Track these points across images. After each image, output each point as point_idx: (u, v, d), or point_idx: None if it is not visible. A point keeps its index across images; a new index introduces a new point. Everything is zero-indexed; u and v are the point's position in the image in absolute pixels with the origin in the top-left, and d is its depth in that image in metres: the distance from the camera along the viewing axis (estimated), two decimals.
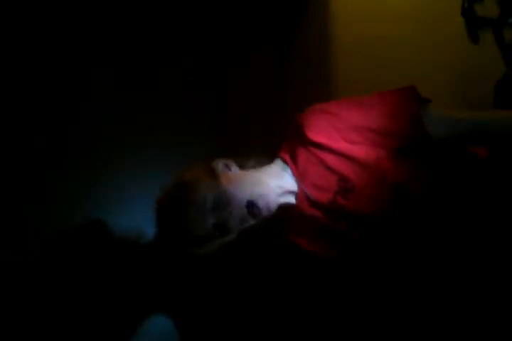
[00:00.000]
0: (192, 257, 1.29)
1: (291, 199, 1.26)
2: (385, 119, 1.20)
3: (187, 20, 2.27)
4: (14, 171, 2.00)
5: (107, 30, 2.15)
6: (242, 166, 1.29)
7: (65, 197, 2.05)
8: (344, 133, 1.21)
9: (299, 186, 1.27)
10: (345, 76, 2.15)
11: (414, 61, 1.86)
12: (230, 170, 1.27)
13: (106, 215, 2.05)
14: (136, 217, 2.09)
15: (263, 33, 2.39)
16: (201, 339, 1.46)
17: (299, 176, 1.27)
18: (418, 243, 1.16)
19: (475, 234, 1.16)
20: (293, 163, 1.28)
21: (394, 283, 1.18)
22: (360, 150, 1.20)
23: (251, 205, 1.20)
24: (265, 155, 1.34)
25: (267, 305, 1.33)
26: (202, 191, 1.20)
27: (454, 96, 1.74)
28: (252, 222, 1.19)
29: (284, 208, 1.24)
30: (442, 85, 1.75)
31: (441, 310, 1.15)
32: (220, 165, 1.27)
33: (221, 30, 2.33)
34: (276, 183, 1.25)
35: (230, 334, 1.40)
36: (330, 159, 1.21)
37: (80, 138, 2.09)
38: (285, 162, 1.29)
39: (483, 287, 1.14)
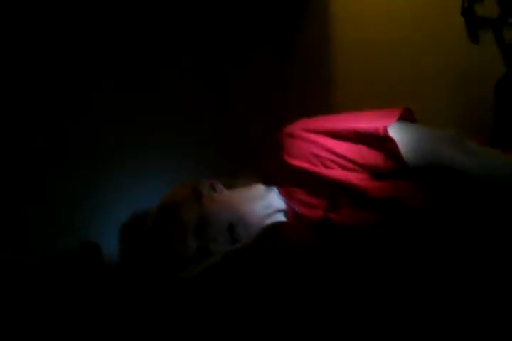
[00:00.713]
0: (176, 280, 1.26)
1: (281, 218, 1.27)
2: (360, 150, 1.21)
3: (187, 20, 2.27)
4: (14, 171, 2.00)
5: (106, 30, 2.15)
6: (230, 186, 1.30)
7: (64, 197, 2.05)
8: (322, 160, 1.23)
9: (287, 204, 1.28)
10: (346, 76, 2.15)
11: (414, 61, 1.86)
12: (215, 191, 1.27)
13: (106, 215, 2.05)
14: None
15: (263, 33, 2.39)
16: None
17: (286, 195, 1.28)
18: (412, 257, 1.15)
19: (471, 241, 1.15)
20: (277, 183, 1.29)
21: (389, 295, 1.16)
22: (339, 173, 1.21)
23: (231, 228, 1.20)
24: (254, 173, 1.34)
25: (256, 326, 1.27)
26: (184, 214, 1.21)
27: (454, 96, 1.74)
28: (233, 245, 1.19)
29: (274, 228, 1.24)
30: (442, 85, 1.75)
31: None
32: (206, 186, 1.27)
33: (221, 30, 2.32)
34: (262, 204, 1.26)
35: None
36: (313, 182, 1.23)
37: (80, 138, 2.09)
38: (269, 185, 1.30)
39: (476, 299, 1.13)
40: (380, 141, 1.19)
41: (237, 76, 2.33)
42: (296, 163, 1.24)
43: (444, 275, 1.14)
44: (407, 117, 1.26)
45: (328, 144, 1.23)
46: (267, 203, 1.27)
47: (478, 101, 1.64)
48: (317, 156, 1.23)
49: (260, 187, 1.30)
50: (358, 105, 1.47)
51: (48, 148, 2.05)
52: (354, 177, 1.21)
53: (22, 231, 1.98)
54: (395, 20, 1.94)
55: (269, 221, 1.24)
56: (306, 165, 1.23)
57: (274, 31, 2.40)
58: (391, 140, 1.18)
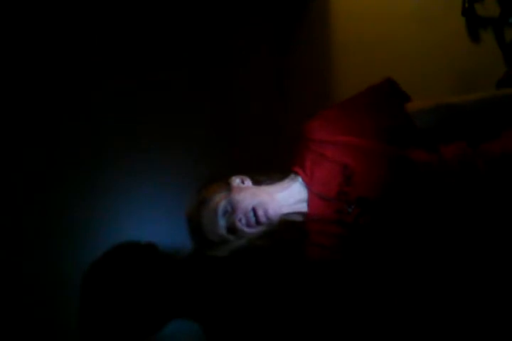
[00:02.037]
0: (206, 259, 1.59)
1: (303, 207, 1.44)
2: (372, 115, 1.41)
3: (187, 20, 2.27)
4: (14, 171, 1.99)
5: (106, 30, 2.15)
6: (256, 181, 1.49)
7: (64, 197, 2.05)
8: (336, 129, 1.43)
9: (309, 190, 1.44)
10: (346, 75, 2.15)
11: (414, 60, 1.86)
12: (243, 183, 1.47)
13: (105, 215, 2.05)
14: (135, 218, 2.10)
15: (263, 33, 2.39)
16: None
17: (309, 180, 1.44)
18: (421, 227, 1.30)
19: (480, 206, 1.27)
20: (302, 170, 1.46)
21: (397, 276, 1.31)
22: (351, 140, 1.40)
23: (254, 211, 1.39)
24: (277, 172, 1.52)
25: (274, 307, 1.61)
26: (216, 201, 1.42)
27: (454, 95, 1.74)
28: (256, 227, 1.39)
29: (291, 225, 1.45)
30: (443, 84, 1.76)
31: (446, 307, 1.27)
32: (235, 179, 1.47)
33: (221, 30, 2.33)
34: (283, 194, 1.45)
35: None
36: (331, 151, 1.41)
37: (80, 138, 2.09)
38: (295, 173, 1.47)
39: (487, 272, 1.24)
40: (387, 99, 1.42)
41: (237, 76, 2.33)
42: (313, 136, 1.44)
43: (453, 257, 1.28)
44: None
45: (339, 114, 1.45)
46: (288, 193, 1.45)
47: None
48: (329, 127, 1.43)
49: (283, 181, 1.48)
50: None
51: (48, 148, 2.05)
52: (363, 141, 1.39)
53: (21, 231, 1.98)
54: (395, 19, 1.94)
55: (288, 209, 1.43)
56: (324, 136, 1.43)
57: (274, 31, 2.40)
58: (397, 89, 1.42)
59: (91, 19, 2.14)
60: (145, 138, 2.15)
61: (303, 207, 1.44)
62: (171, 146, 2.17)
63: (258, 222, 1.38)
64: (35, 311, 1.95)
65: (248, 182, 1.47)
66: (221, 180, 1.48)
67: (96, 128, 2.11)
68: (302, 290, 1.47)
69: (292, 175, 1.48)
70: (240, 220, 1.39)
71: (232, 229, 1.39)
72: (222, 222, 1.40)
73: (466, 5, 1.67)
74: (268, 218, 1.38)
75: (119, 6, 2.18)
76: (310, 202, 1.44)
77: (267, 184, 1.48)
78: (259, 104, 2.34)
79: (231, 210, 1.39)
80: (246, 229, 1.39)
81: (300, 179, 1.46)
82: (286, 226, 1.43)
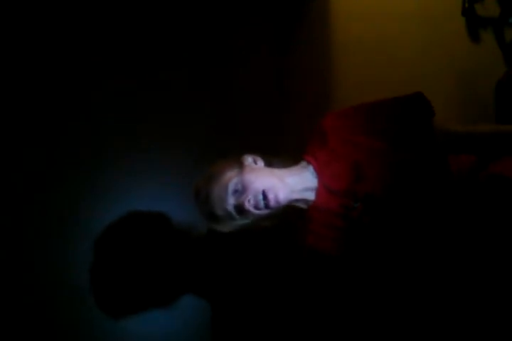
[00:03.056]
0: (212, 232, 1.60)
1: (310, 195, 1.44)
2: (394, 123, 1.41)
3: (187, 20, 2.27)
4: (14, 171, 1.99)
5: (106, 30, 2.15)
6: (268, 163, 1.48)
7: (64, 197, 2.05)
8: (353, 128, 1.43)
9: (319, 180, 1.44)
10: (346, 75, 2.15)
11: (414, 60, 1.86)
12: (255, 163, 1.46)
13: (105, 215, 2.05)
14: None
15: (263, 33, 2.39)
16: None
17: (320, 170, 1.45)
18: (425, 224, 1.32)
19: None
20: (315, 160, 1.46)
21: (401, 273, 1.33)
22: (374, 142, 1.40)
23: (264, 195, 1.38)
24: (291, 156, 1.52)
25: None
26: (227, 177, 1.41)
27: (454, 96, 1.74)
28: (264, 210, 1.39)
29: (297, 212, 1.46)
30: (443, 84, 1.76)
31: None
32: (248, 158, 1.47)
33: (221, 30, 2.32)
34: (294, 179, 1.44)
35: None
36: (347, 149, 1.42)
37: (80, 138, 2.09)
38: (308, 162, 1.47)
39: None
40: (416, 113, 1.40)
41: (237, 76, 2.33)
42: (329, 131, 1.45)
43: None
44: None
45: (360, 114, 1.45)
46: (299, 179, 1.45)
47: (478, 100, 1.64)
48: (347, 125, 1.43)
49: (298, 166, 1.49)
50: None
51: (48, 148, 2.05)
52: (377, 143, 1.39)
53: (20, 231, 1.98)
54: (395, 20, 1.94)
55: (297, 195, 1.43)
56: (336, 133, 1.43)
57: (274, 31, 2.40)
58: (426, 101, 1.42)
59: (91, 19, 2.14)
60: (145, 138, 2.15)
61: (310, 195, 1.45)
62: (171, 146, 2.17)
63: (267, 206, 1.38)
64: (35, 311, 1.95)
65: (260, 163, 1.47)
66: (233, 157, 1.49)
67: (96, 128, 2.10)
68: (301, 281, 1.49)
69: (304, 163, 1.48)
70: (248, 201, 1.38)
71: (239, 208, 1.39)
72: (231, 200, 1.40)
73: (466, 5, 1.67)
74: (277, 202, 1.38)
75: (119, 5, 2.17)
76: (318, 192, 1.44)
77: (279, 167, 1.47)
78: (259, 104, 2.33)
79: (241, 190, 1.39)
80: (254, 211, 1.39)
81: (311, 168, 1.46)
82: (291, 211, 1.44)
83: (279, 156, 1.50)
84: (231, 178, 1.41)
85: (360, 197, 1.37)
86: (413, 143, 1.38)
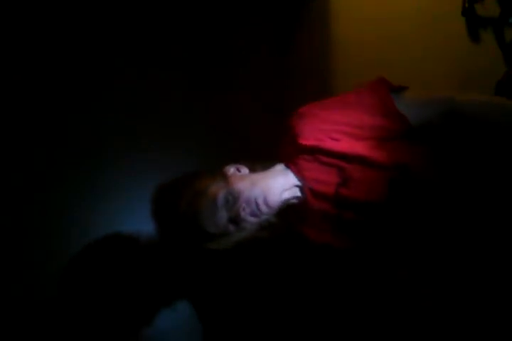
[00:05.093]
0: (209, 252, 1.50)
1: (297, 193, 1.40)
2: (364, 115, 1.35)
3: (187, 20, 2.27)
4: (14, 171, 1.99)
5: (106, 30, 2.15)
6: (252, 169, 1.44)
7: (64, 197, 2.05)
8: (328, 132, 1.36)
9: (302, 183, 1.40)
10: (346, 75, 2.15)
11: (414, 60, 1.86)
12: (239, 172, 1.42)
13: (105, 215, 2.05)
14: (135, 218, 2.10)
15: (263, 33, 2.39)
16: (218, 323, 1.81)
17: (300, 175, 1.40)
18: (419, 228, 1.27)
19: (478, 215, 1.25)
20: (292, 164, 1.42)
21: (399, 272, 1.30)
22: (345, 145, 1.34)
23: (255, 201, 1.35)
24: (270, 160, 1.47)
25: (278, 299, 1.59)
26: (213, 191, 1.35)
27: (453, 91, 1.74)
28: (260, 216, 1.35)
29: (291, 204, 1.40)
30: (443, 84, 1.75)
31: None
32: (230, 169, 1.42)
33: (221, 30, 2.33)
34: (281, 180, 1.40)
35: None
36: (323, 157, 1.36)
37: (80, 138, 2.09)
38: (285, 166, 1.43)
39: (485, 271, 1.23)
40: (380, 97, 1.35)
41: (237, 76, 2.33)
42: (305, 142, 1.37)
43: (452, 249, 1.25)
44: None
45: (332, 115, 1.37)
46: (284, 179, 1.40)
47: None
48: (322, 130, 1.36)
49: (279, 166, 1.44)
50: None
51: (48, 148, 2.05)
52: (360, 147, 1.33)
53: (20, 232, 1.98)
54: (395, 20, 1.94)
55: (287, 194, 1.39)
56: (313, 142, 1.36)
57: (274, 31, 2.40)
58: (390, 86, 1.36)
59: (90, 19, 2.14)
60: (145, 138, 2.15)
61: (298, 191, 1.40)
62: (171, 146, 2.17)
63: (260, 211, 1.34)
64: (35, 311, 1.95)
65: (245, 170, 1.43)
66: (213, 171, 1.43)
67: (96, 128, 2.11)
68: (303, 283, 1.47)
69: (281, 165, 1.44)
70: (243, 209, 1.33)
71: (235, 219, 1.34)
72: (223, 213, 1.33)
73: (466, 5, 1.67)
74: (269, 207, 1.34)
75: (119, 5, 2.17)
76: (306, 192, 1.39)
77: (263, 170, 1.43)
78: (259, 104, 2.33)
79: (232, 200, 1.34)
80: (250, 219, 1.34)
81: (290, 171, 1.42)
82: (286, 212, 1.39)
83: (261, 161, 1.46)
84: (218, 191, 1.34)
85: (349, 202, 1.32)
86: (389, 133, 1.33)
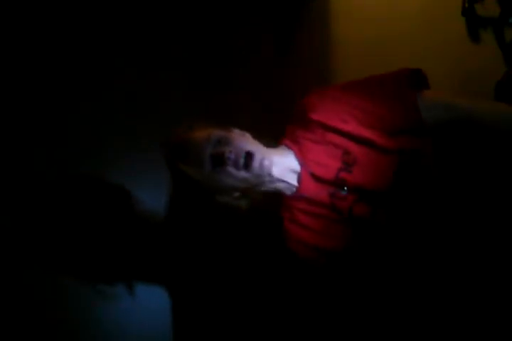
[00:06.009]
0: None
1: (292, 178, 1.37)
2: (380, 105, 1.32)
3: (187, 20, 2.27)
4: (14, 171, 1.99)
5: (106, 30, 2.15)
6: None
7: None
8: (339, 113, 1.34)
9: (302, 167, 1.37)
10: (346, 76, 2.14)
11: (414, 60, 1.85)
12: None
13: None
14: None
15: (263, 33, 2.39)
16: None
17: (302, 156, 1.37)
18: (424, 219, 1.26)
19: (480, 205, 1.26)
20: (295, 144, 1.39)
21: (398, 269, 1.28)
22: (353, 128, 1.32)
23: (248, 155, 1.30)
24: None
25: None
26: (211, 130, 1.34)
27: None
28: (243, 172, 1.29)
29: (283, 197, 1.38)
30: (443, 84, 1.75)
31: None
32: (235, 129, 1.40)
33: (221, 30, 2.33)
34: (280, 158, 1.36)
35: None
36: (331, 136, 1.34)
37: (80, 138, 2.09)
38: (287, 146, 1.40)
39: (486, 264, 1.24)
40: (403, 90, 1.32)
41: (237, 76, 2.33)
42: (314, 116, 1.35)
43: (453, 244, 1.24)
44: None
45: (349, 97, 1.35)
46: (282, 160, 1.36)
47: None
48: (335, 109, 1.35)
49: (281, 146, 1.41)
50: None
51: (49, 147, 2.05)
52: (368, 133, 1.30)
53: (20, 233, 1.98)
54: (395, 20, 1.94)
55: (280, 174, 1.35)
56: (322, 118, 1.34)
57: (274, 31, 2.40)
58: (419, 81, 1.34)
59: (91, 20, 2.14)
60: (145, 138, 2.15)
61: (293, 179, 1.37)
62: None
63: (247, 166, 1.29)
64: (35, 311, 1.95)
65: (249, 137, 1.40)
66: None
67: (96, 128, 2.11)
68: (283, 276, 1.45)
69: (285, 147, 1.41)
70: (230, 152, 1.29)
71: (216, 158, 1.29)
72: (209, 148, 1.30)
73: (466, 5, 1.67)
74: (261, 166, 1.30)
75: (119, 5, 2.17)
76: (302, 179, 1.36)
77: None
78: (259, 105, 2.33)
79: (224, 142, 1.30)
80: (230, 167, 1.29)
81: (293, 153, 1.39)
82: (272, 198, 1.37)
83: (264, 138, 1.42)
84: (216, 132, 1.33)
85: (350, 187, 1.29)
86: (403, 129, 1.30)
